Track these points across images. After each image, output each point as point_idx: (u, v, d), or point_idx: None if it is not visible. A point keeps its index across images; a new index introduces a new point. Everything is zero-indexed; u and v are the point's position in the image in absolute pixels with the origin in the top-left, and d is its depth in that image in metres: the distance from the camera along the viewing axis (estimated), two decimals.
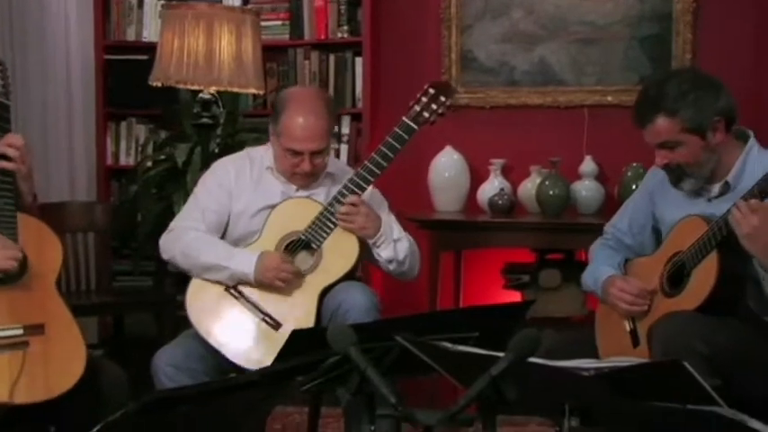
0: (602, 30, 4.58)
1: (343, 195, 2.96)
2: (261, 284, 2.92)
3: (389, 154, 2.98)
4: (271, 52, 4.64)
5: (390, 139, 2.99)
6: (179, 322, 3.01)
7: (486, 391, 1.73)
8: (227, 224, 3.07)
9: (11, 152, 2.57)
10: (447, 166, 4.60)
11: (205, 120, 4.15)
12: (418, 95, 3.02)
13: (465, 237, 4.46)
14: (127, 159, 4.87)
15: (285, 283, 2.90)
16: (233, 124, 4.50)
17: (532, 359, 1.77)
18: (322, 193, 3.06)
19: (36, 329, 2.50)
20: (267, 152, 3.12)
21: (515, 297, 4.44)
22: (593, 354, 2.74)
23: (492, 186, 4.51)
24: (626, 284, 2.70)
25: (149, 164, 4.55)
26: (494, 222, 4.39)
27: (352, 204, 2.95)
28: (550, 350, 2.46)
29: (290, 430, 3.81)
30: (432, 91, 3.02)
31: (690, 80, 2.64)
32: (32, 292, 2.54)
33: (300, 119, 2.96)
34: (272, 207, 3.01)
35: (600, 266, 2.84)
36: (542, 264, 4.46)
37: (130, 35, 4.87)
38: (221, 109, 4.30)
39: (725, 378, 2.32)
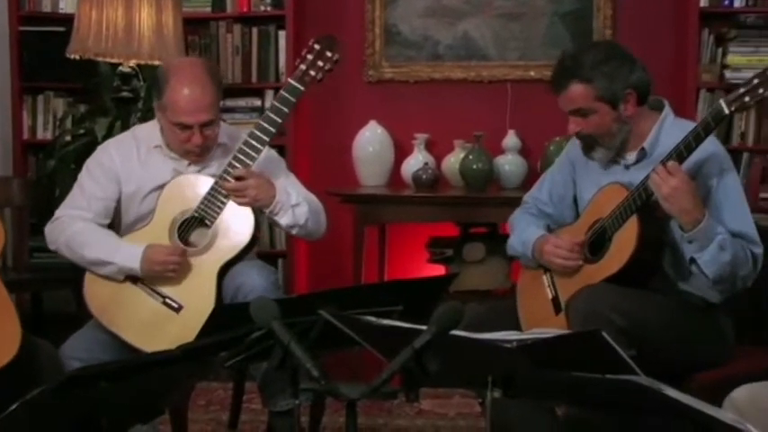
0: (525, 5, 4.62)
1: (233, 167, 2.85)
2: (150, 277, 2.84)
3: (277, 119, 2.86)
4: (192, 25, 4.57)
5: (276, 103, 2.88)
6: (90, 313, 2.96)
7: (409, 363, 1.74)
8: (119, 209, 2.97)
9: None
10: (371, 141, 4.60)
11: (125, 93, 4.08)
12: (303, 53, 2.91)
13: (389, 211, 4.47)
14: (44, 134, 4.76)
15: (176, 273, 2.83)
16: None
17: (455, 332, 1.78)
18: (215, 166, 2.94)
19: None
20: (154, 129, 2.99)
21: (440, 271, 4.47)
22: (517, 325, 2.77)
23: (416, 161, 4.53)
24: (560, 241, 2.74)
25: (68, 138, 4.46)
26: (418, 197, 4.41)
27: (240, 178, 2.85)
28: (474, 323, 2.50)
29: (214, 406, 3.79)
30: (317, 47, 2.90)
31: (605, 51, 2.71)
32: None
33: (186, 90, 2.82)
34: (163, 186, 2.91)
35: (527, 229, 2.87)
36: (466, 237, 4.50)
37: (46, 6, 4.75)
38: (142, 82, 4.23)
39: (639, 349, 2.37)
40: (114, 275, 2.85)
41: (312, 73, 2.90)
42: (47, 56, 4.54)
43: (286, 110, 2.87)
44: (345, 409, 1.90)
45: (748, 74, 4.10)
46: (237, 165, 2.86)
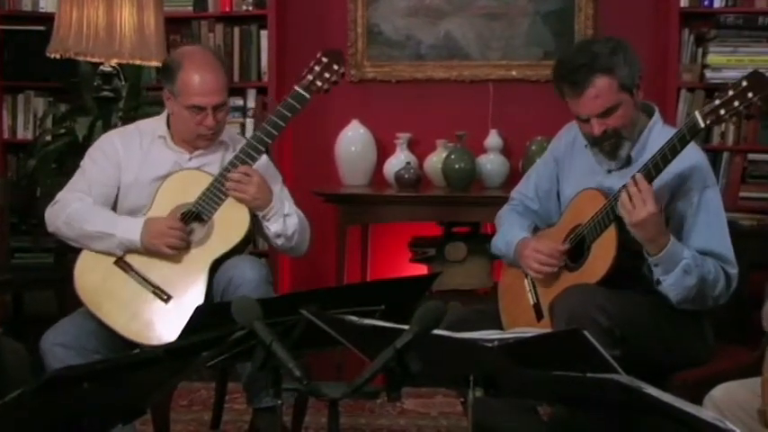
0: (507, 5, 4.63)
1: (235, 165, 2.92)
2: (149, 251, 2.86)
3: (281, 123, 2.94)
4: (174, 24, 4.55)
5: (282, 109, 2.95)
6: (79, 299, 2.95)
7: (390, 363, 1.75)
8: (117, 196, 3.00)
9: None
10: (353, 141, 4.60)
11: (106, 93, 4.05)
12: (311, 64, 2.99)
13: (371, 211, 4.47)
14: (25, 133, 4.74)
15: (174, 250, 2.86)
16: (135, 97, 4.41)
17: (437, 331, 1.78)
18: (216, 162, 3.01)
19: None
20: (159, 122, 3.07)
21: (422, 270, 4.47)
22: (499, 325, 2.77)
23: (398, 160, 4.53)
24: (539, 245, 2.72)
25: (48, 138, 4.44)
26: (400, 196, 4.41)
27: (245, 174, 2.90)
28: (456, 322, 2.50)
29: (196, 406, 3.78)
30: (324, 59, 2.98)
31: (613, 41, 2.67)
32: None
33: (198, 75, 2.92)
34: (164, 178, 2.96)
35: (511, 229, 2.86)
36: (448, 237, 4.51)
37: (26, 5, 4.73)
38: (123, 82, 4.21)
39: (623, 348, 2.38)
40: (114, 250, 2.88)
41: (318, 83, 2.98)
42: (27, 55, 4.53)
43: (290, 115, 2.95)
44: (328, 408, 1.90)
45: (728, 73, 4.20)
46: (239, 164, 2.92)
